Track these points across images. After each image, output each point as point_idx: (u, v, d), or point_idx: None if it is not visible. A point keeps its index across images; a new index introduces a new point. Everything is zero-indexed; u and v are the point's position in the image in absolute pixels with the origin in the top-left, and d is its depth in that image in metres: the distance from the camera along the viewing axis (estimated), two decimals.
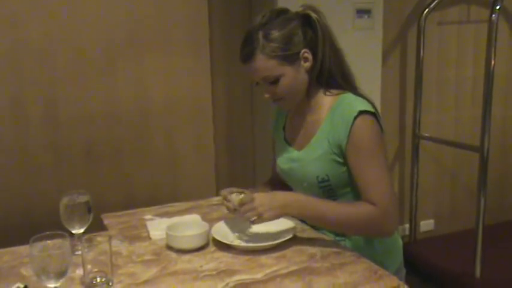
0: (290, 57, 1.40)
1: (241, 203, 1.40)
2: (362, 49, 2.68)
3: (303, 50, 1.42)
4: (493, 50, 2.55)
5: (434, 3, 2.97)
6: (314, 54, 1.44)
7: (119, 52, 2.48)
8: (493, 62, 2.55)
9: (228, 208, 1.48)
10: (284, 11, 1.45)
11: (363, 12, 2.68)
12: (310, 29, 1.44)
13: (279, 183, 1.67)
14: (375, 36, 2.74)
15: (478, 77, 3.20)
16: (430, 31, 3.10)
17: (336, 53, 1.47)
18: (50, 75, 2.38)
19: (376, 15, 2.71)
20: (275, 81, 1.42)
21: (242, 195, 1.45)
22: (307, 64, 1.44)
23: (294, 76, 1.42)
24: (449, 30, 3.24)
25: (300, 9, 1.47)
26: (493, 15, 2.52)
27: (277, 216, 1.40)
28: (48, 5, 2.33)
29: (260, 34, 1.39)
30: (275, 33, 1.39)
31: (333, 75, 1.46)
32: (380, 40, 2.77)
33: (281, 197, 1.41)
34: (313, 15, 1.44)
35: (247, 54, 1.41)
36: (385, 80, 2.92)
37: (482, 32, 3.00)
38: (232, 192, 1.49)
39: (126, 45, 2.48)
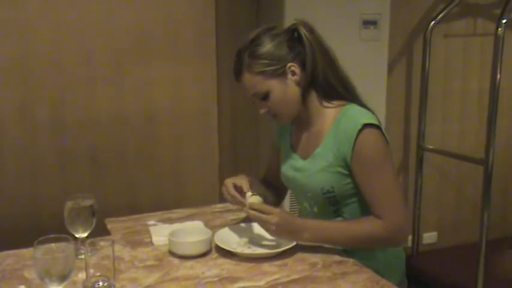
0: (275, 72, 1.42)
1: (256, 208, 1.41)
2: (368, 60, 2.69)
3: (289, 64, 1.43)
4: (499, 63, 2.55)
5: (440, 16, 2.98)
6: (304, 67, 1.45)
7: (126, 59, 2.50)
8: (498, 76, 2.56)
9: (226, 196, 1.52)
10: (272, 28, 1.47)
11: (369, 23, 2.69)
12: (299, 43, 1.45)
13: (272, 184, 1.70)
14: (381, 47, 2.75)
15: (483, 90, 3.20)
16: (436, 43, 3.10)
17: (331, 64, 1.47)
18: (57, 80, 2.40)
19: (383, 27, 2.72)
20: (265, 96, 1.44)
21: (256, 197, 1.45)
22: (296, 77, 1.45)
23: (283, 90, 1.44)
24: (455, 43, 3.24)
25: (293, 22, 1.48)
26: (499, 29, 2.53)
27: (286, 240, 1.43)
28: (57, 11, 2.35)
29: (246, 53, 1.43)
30: (259, 50, 1.42)
31: (332, 85, 1.47)
32: (386, 51, 2.77)
33: (298, 225, 1.41)
34: (302, 30, 1.44)
35: (235, 73, 1.47)
36: (390, 92, 2.93)
37: (488, 45, 3.00)
38: (234, 183, 1.52)
39: (133, 52, 2.50)
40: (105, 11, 2.43)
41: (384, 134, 1.42)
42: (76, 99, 2.44)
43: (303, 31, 1.44)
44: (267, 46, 1.42)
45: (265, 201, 1.47)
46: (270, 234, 1.42)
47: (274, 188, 1.70)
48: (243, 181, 1.53)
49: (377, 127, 1.40)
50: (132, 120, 2.55)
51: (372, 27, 2.70)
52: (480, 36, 3.26)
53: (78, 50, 2.41)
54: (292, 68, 1.44)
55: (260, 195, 1.47)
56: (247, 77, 1.44)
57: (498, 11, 2.64)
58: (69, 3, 2.37)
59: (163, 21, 2.53)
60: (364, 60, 2.66)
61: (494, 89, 2.57)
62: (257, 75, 1.42)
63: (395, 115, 3.17)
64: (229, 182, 1.54)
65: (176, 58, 2.58)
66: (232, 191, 1.51)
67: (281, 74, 1.43)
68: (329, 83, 1.46)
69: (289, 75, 1.44)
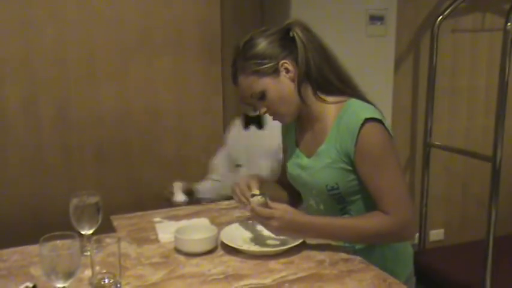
0: (267, 70, 1.42)
1: (256, 213, 1.40)
2: (375, 56, 2.68)
3: (281, 62, 1.43)
4: (507, 59, 2.52)
5: (448, 11, 2.96)
6: (299, 64, 1.44)
7: (131, 55, 2.50)
8: (507, 72, 2.53)
9: (234, 195, 1.51)
10: (265, 29, 1.47)
11: (376, 19, 2.67)
12: (292, 41, 1.44)
13: (287, 183, 1.68)
14: (388, 43, 2.73)
15: (491, 86, 3.18)
16: (444, 39, 3.08)
17: (327, 60, 1.46)
18: (62, 77, 2.41)
19: (390, 22, 2.70)
20: (262, 96, 1.44)
21: (258, 197, 1.44)
22: (290, 74, 1.44)
23: (278, 88, 1.44)
24: (463, 38, 3.22)
25: (287, 22, 1.48)
26: (508, 24, 2.50)
27: (287, 236, 1.42)
28: (62, 9, 2.36)
29: (240, 56, 1.45)
30: (251, 52, 1.43)
31: (330, 81, 1.46)
32: (393, 47, 2.76)
33: (301, 224, 1.39)
34: (294, 28, 1.44)
35: (233, 78, 1.50)
36: (397, 88, 2.91)
37: (496, 41, 2.98)
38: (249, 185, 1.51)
39: (138, 48, 2.50)
40: (110, 8, 2.43)
41: (386, 128, 1.40)
42: (81, 96, 2.44)
43: (295, 29, 1.44)
44: (259, 46, 1.43)
45: (279, 200, 1.46)
46: (271, 232, 1.41)
47: (289, 189, 1.69)
48: (252, 181, 1.52)
49: (379, 121, 1.39)
50: (137, 117, 2.55)
51: (378, 23, 2.68)
52: (488, 32, 3.23)
53: (83, 47, 2.42)
54: (285, 65, 1.43)
55: (266, 195, 1.45)
56: (242, 79, 1.45)
57: (507, 6, 2.61)
58: (74, 1, 2.37)
59: (168, 19, 2.53)
60: (371, 56, 2.65)
61: (503, 85, 2.54)
62: (251, 76, 1.43)
63: (402, 111, 3.15)
64: (242, 181, 1.53)
65: (181, 55, 2.58)
66: (238, 190, 1.51)
67: (274, 71, 1.43)
68: (326, 79, 1.46)
69: (283, 73, 1.44)
